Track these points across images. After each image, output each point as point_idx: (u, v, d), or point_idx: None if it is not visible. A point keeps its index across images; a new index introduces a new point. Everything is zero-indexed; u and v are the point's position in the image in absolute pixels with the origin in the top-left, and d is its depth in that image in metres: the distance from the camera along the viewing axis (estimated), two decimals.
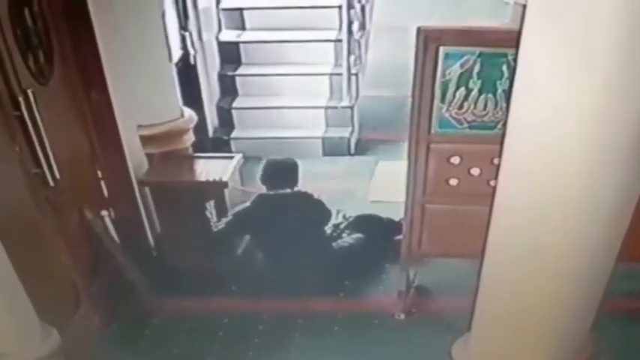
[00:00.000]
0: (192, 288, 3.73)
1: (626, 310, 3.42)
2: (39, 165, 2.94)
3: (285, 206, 3.82)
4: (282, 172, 3.87)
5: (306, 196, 3.87)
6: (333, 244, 3.98)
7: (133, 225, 3.85)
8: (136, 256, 3.74)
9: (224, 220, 3.85)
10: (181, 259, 3.89)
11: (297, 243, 3.76)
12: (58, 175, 3.02)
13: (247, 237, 4.05)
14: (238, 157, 4.09)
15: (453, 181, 3.21)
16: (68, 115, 3.38)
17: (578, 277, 2.12)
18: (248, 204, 3.86)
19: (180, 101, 4.42)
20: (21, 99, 2.83)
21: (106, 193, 3.70)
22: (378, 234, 4.04)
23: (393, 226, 3.96)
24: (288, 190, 3.85)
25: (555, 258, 2.06)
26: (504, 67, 2.88)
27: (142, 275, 3.67)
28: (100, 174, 3.64)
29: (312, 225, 3.87)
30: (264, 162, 3.93)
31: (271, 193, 3.84)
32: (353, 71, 5.34)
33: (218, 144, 5.27)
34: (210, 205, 3.88)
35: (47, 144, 2.95)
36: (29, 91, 2.87)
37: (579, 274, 2.11)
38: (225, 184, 3.85)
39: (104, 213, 3.62)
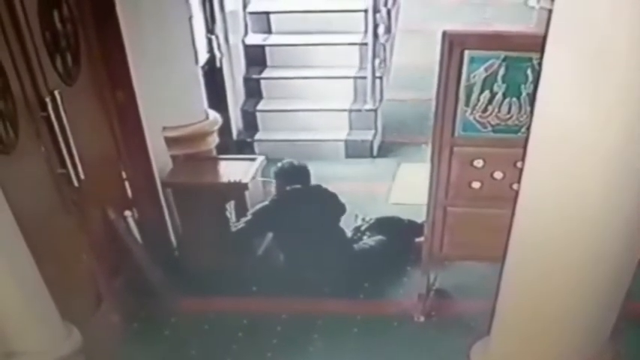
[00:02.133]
0: (212, 288, 3.73)
1: None
2: (64, 165, 2.96)
3: (301, 200, 3.83)
4: (296, 174, 3.91)
5: (320, 189, 3.91)
6: (354, 245, 3.95)
7: (155, 225, 3.85)
8: (158, 257, 3.75)
9: (243, 219, 3.85)
10: (202, 259, 3.89)
11: (317, 243, 3.75)
12: (82, 176, 3.03)
13: (268, 237, 4.05)
14: (261, 159, 4.09)
15: (476, 185, 3.18)
16: (94, 116, 3.40)
17: (600, 281, 2.09)
18: (267, 202, 3.87)
19: (205, 104, 4.44)
20: (48, 100, 2.84)
21: (130, 193, 3.71)
22: (399, 236, 4.01)
23: (414, 229, 3.94)
24: (301, 186, 3.87)
25: (577, 262, 2.04)
26: (529, 71, 2.85)
27: (163, 275, 3.69)
28: (124, 174, 3.66)
29: (327, 217, 3.87)
30: (280, 163, 3.97)
31: (288, 189, 3.85)
32: (377, 74, 5.31)
33: (242, 146, 5.28)
34: (230, 206, 3.88)
35: (72, 144, 2.96)
36: (56, 92, 2.88)
37: (600, 278, 2.08)
38: (245, 186, 3.85)
39: (127, 213, 3.63)
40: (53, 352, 2.71)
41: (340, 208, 3.92)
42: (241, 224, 3.84)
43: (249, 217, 3.85)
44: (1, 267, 2.50)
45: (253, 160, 4.10)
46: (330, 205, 3.90)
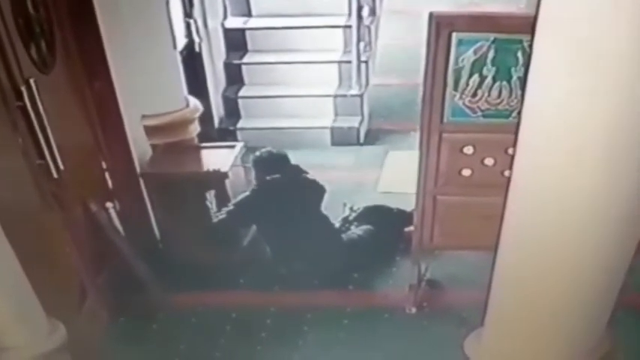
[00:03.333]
0: (199, 282, 3.75)
1: None
2: (42, 156, 2.94)
3: (282, 187, 3.86)
4: (274, 162, 3.94)
5: (299, 177, 3.94)
6: (342, 235, 3.99)
7: (138, 217, 3.87)
8: (142, 249, 3.76)
9: (225, 209, 3.88)
10: (187, 251, 3.90)
11: (304, 233, 3.78)
12: (62, 167, 3.02)
13: (253, 229, 4.08)
14: (240, 145, 4.12)
15: (466, 172, 3.21)
16: (71, 105, 3.39)
17: (595, 270, 2.09)
18: (248, 193, 3.90)
19: (185, 90, 4.43)
20: (23, 89, 2.83)
21: (110, 184, 3.72)
22: (387, 225, 4.05)
23: (403, 217, 3.98)
24: (281, 175, 3.90)
25: (571, 251, 2.04)
26: (519, 54, 2.86)
27: (149, 269, 3.70)
28: (104, 165, 3.66)
29: (309, 201, 3.90)
30: (258, 152, 3.99)
31: (268, 178, 3.88)
32: (363, 58, 5.33)
33: (224, 134, 5.28)
34: (211, 195, 3.90)
35: (50, 135, 2.95)
36: (31, 81, 2.87)
37: (596, 267, 2.08)
38: (225, 175, 3.88)
39: (109, 205, 3.64)
40: (38, 347, 2.72)
41: (320, 190, 3.95)
42: (223, 215, 3.87)
43: (230, 207, 3.87)
44: None
45: (232, 147, 4.12)
46: (310, 188, 3.93)
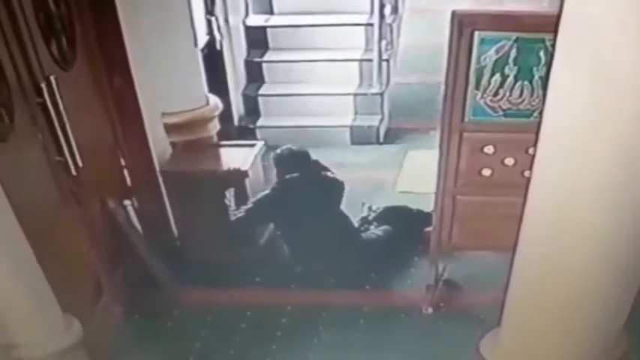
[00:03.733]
0: (215, 279, 3.76)
1: None
2: (61, 153, 2.97)
3: (302, 185, 3.85)
4: (295, 160, 3.92)
5: (319, 175, 3.93)
6: (362, 235, 3.98)
7: (156, 215, 3.89)
8: (160, 246, 3.78)
9: (244, 207, 3.89)
10: (204, 249, 3.92)
11: (322, 233, 3.77)
12: (80, 164, 3.05)
13: (271, 227, 4.07)
14: (260, 144, 4.11)
15: (486, 172, 3.19)
16: (91, 102, 3.41)
17: (613, 272, 2.09)
18: (268, 191, 3.90)
19: (205, 88, 4.44)
20: (43, 85, 2.85)
21: (129, 181, 3.74)
22: (407, 226, 4.03)
23: (422, 218, 3.95)
24: (300, 174, 3.89)
25: (590, 252, 2.04)
26: (542, 53, 2.84)
27: (165, 266, 3.72)
28: (123, 162, 3.68)
29: (329, 199, 3.89)
30: (279, 149, 3.98)
31: (287, 177, 3.87)
32: (384, 57, 5.29)
33: (244, 132, 5.29)
34: (230, 193, 3.90)
35: (70, 132, 2.97)
36: (52, 78, 2.89)
37: (614, 268, 2.08)
38: (245, 173, 3.88)
39: (127, 202, 3.66)
40: (53, 344, 2.75)
41: (339, 186, 3.94)
42: (241, 213, 3.87)
43: (250, 205, 3.88)
44: (0, 258, 2.52)
45: (252, 146, 4.12)
46: (330, 186, 3.92)
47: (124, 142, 3.63)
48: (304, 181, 3.88)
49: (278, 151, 3.99)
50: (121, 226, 3.53)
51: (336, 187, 3.95)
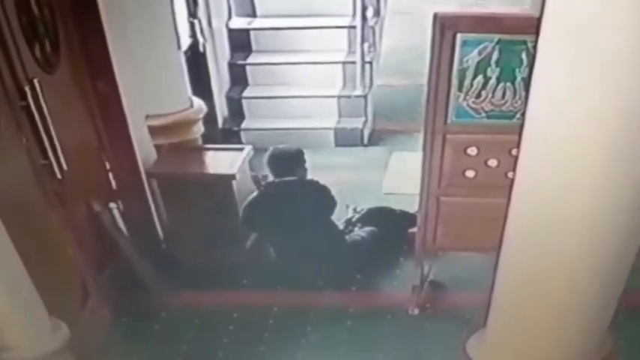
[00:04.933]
0: (202, 281, 3.75)
1: None
2: (46, 156, 2.95)
3: (291, 193, 3.83)
4: (287, 160, 3.88)
5: (311, 183, 3.90)
6: (346, 237, 3.98)
7: (141, 217, 3.87)
8: (145, 249, 3.76)
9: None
10: (190, 252, 3.91)
11: (307, 235, 3.76)
12: (65, 167, 3.03)
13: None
14: (248, 148, 4.09)
15: (470, 173, 3.20)
16: (75, 105, 3.39)
17: (598, 272, 2.10)
18: (256, 194, 3.88)
19: (189, 91, 4.43)
20: (27, 88, 2.83)
21: (114, 184, 3.72)
22: (391, 227, 4.04)
23: (406, 219, 3.97)
24: (295, 178, 3.86)
25: (574, 252, 2.04)
26: (524, 55, 2.85)
27: (151, 268, 3.70)
28: (108, 165, 3.66)
29: (318, 211, 3.87)
30: (269, 151, 3.94)
31: (277, 180, 3.86)
32: (367, 59, 5.31)
33: (228, 135, 5.27)
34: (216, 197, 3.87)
35: (54, 135, 2.95)
36: (35, 81, 2.87)
37: (599, 268, 2.09)
38: (233, 177, 3.86)
39: (112, 205, 3.63)
40: (40, 347, 2.73)
41: (331, 202, 3.91)
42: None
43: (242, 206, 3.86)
44: None
45: (240, 150, 4.09)
46: (321, 199, 3.89)
47: (108, 144, 3.61)
48: (294, 186, 3.86)
49: (269, 152, 3.94)
50: (107, 229, 3.51)
51: (326, 200, 3.90)
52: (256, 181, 4.03)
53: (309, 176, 3.98)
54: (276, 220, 3.82)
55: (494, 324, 2.48)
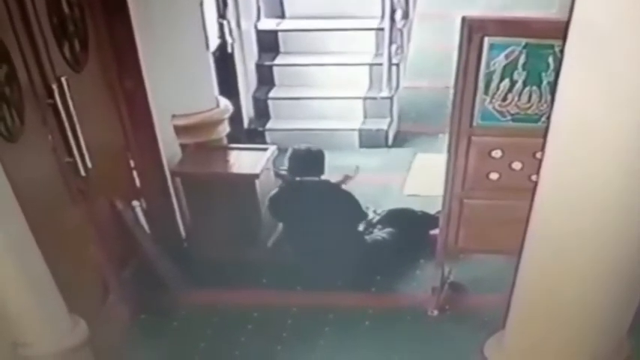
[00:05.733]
0: (222, 280, 3.74)
1: None
2: (71, 154, 2.96)
3: (310, 194, 3.80)
4: (307, 160, 3.86)
5: (332, 186, 3.87)
6: (366, 237, 3.94)
7: (164, 216, 3.87)
8: (167, 248, 3.76)
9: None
10: (212, 250, 3.90)
11: (328, 235, 3.73)
12: (90, 165, 3.03)
13: (279, 229, 4.04)
14: (272, 149, 4.07)
15: (494, 175, 3.16)
16: (102, 104, 3.40)
17: (618, 277, 2.08)
18: (276, 189, 3.86)
19: (216, 91, 4.43)
20: (55, 87, 2.84)
21: (138, 183, 3.72)
22: (411, 228, 3.99)
23: (427, 221, 3.92)
24: (315, 179, 3.83)
25: (595, 256, 2.03)
26: (550, 59, 2.82)
27: (172, 267, 3.70)
28: (132, 164, 3.66)
29: (339, 215, 3.83)
30: (296, 146, 3.92)
31: (297, 179, 3.82)
32: (394, 61, 5.26)
33: (253, 135, 5.25)
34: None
35: (80, 133, 2.96)
36: (63, 79, 2.88)
37: (619, 273, 2.07)
38: (256, 176, 3.84)
39: (135, 203, 3.64)
40: (59, 343, 2.73)
41: (355, 207, 3.86)
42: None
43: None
44: (7, 258, 2.51)
45: (264, 150, 4.08)
46: (343, 203, 3.84)
47: (133, 143, 3.61)
48: (316, 187, 3.83)
49: (295, 146, 3.92)
50: (129, 227, 3.51)
51: (347, 201, 3.86)
52: (278, 175, 3.99)
53: (334, 177, 3.96)
54: (295, 218, 3.80)
55: (513, 326, 2.46)
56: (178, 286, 3.68)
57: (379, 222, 4.05)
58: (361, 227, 4.02)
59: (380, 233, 3.96)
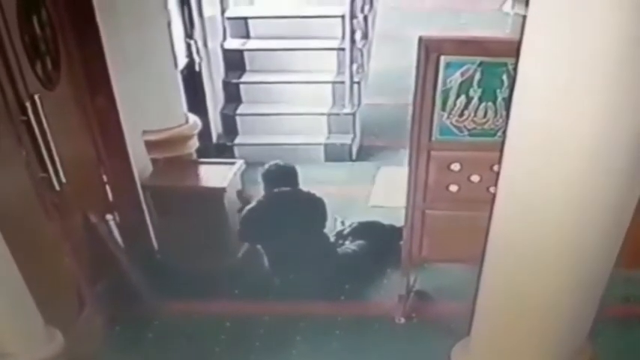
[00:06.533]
0: (194, 291, 3.71)
1: (622, 316, 3.40)
2: (45, 169, 2.93)
3: (288, 202, 3.84)
4: (283, 175, 3.90)
5: (308, 194, 3.91)
6: (338, 250, 3.97)
7: (137, 229, 3.83)
8: (140, 260, 3.72)
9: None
10: (184, 261, 3.88)
11: (301, 247, 3.75)
12: (64, 179, 3.01)
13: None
14: (239, 163, 4.08)
15: (453, 188, 3.21)
16: (74, 120, 3.37)
17: (577, 282, 2.10)
18: (254, 204, 3.87)
19: (185, 107, 4.43)
20: (28, 104, 2.82)
21: (111, 197, 3.68)
22: (380, 241, 4.02)
23: (395, 233, 3.95)
24: (290, 189, 3.86)
25: (554, 263, 2.05)
26: (504, 76, 2.87)
27: (145, 278, 3.66)
28: (105, 178, 3.63)
29: (312, 222, 3.86)
30: (267, 165, 3.95)
31: (275, 190, 3.85)
32: (355, 79, 5.34)
33: (222, 150, 5.27)
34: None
35: (53, 148, 2.93)
36: (36, 97, 2.86)
37: (578, 279, 2.09)
38: (223, 190, 3.85)
39: (109, 217, 3.61)
40: (36, 355, 2.68)
41: (323, 215, 3.91)
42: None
43: (242, 215, 3.84)
44: None
45: (232, 164, 4.09)
46: (315, 210, 3.89)
47: (106, 158, 3.58)
48: (292, 196, 3.86)
49: (266, 166, 3.94)
50: (103, 240, 3.47)
51: (321, 212, 3.91)
52: (240, 196, 4.00)
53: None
54: (271, 231, 3.81)
55: (478, 332, 2.47)
56: (152, 297, 3.63)
57: (350, 234, 4.09)
58: (332, 238, 4.05)
59: (350, 245, 3.99)
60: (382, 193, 4.77)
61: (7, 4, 2.72)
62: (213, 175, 3.98)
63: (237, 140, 5.38)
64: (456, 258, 3.38)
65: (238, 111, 5.46)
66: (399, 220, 3.67)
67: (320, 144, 5.30)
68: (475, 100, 2.96)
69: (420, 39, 2.86)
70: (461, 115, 3.00)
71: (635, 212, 2.00)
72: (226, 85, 5.50)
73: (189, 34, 4.80)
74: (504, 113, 2.84)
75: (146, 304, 3.62)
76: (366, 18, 5.60)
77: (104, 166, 3.60)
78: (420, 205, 3.28)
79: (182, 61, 4.69)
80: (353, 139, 5.33)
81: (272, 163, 3.96)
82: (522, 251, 2.07)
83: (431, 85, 2.92)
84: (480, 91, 2.93)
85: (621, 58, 1.64)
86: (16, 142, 2.80)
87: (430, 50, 2.86)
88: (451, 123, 3.02)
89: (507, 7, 5.12)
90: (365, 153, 5.38)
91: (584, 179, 1.85)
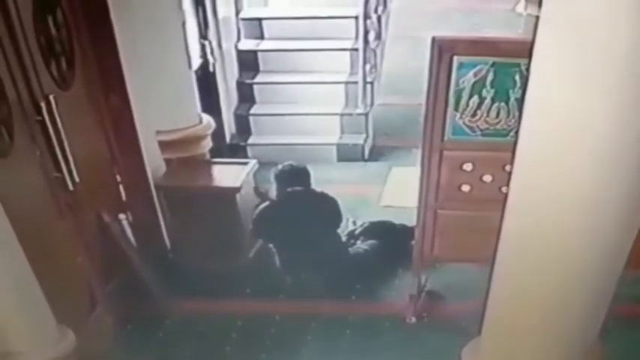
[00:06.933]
0: (206, 290, 3.71)
1: (632, 316, 3.37)
2: (59, 169, 2.94)
3: (301, 201, 3.82)
4: (296, 176, 3.88)
5: (322, 194, 3.90)
6: (349, 249, 3.95)
7: (150, 228, 3.84)
8: (152, 259, 3.73)
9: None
10: (196, 261, 3.88)
11: (313, 247, 3.74)
12: (77, 179, 3.01)
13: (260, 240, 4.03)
14: (252, 163, 4.08)
15: (465, 188, 3.20)
16: (88, 120, 3.38)
17: (588, 282, 2.10)
18: (267, 203, 3.86)
19: (198, 108, 4.43)
20: (42, 104, 2.83)
21: (124, 196, 3.69)
22: (392, 240, 4.00)
23: (406, 232, 3.91)
24: (303, 188, 3.85)
25: (565, 263, 2.04)
26: (517, 77, 2.86)
27: (158, 277, 3.66)
28: (118, 178, 3.64)
29: (325, 222, 3.85)
30: (280, 166, 3.93)
31: (289, 190, 3.83)
32: (368, 79, 5.32)
33: (235, 150, 5.26)
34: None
35: (67, 148, 2.94)
36: (51, 97, 2.87)
37: (589, 279, 2.09)
38: (237, 190, 3.84)
39: (122, 216, 3.61)
40: (47, 353, 2.69)
41: (338, 215, 3.89)
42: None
43: (254, 216, 3.83)
44: None
45: (245, 164, 4.08)
46: (330, 210, 3.87)
47: (119, 158, 3.59)
48: (305, 195, 3.84)
49: (279, 166, 3.93)
50: (116, 239, 3.48)
51: (335, 213, 3.89)
52: (258, 193, 3.99)
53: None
54: (284, 230, 3.79)
55: (489, 332, 2.46)
56: (164, 296, 3.63)
57: (361, 234, 4.07)
58: (344, 238, 4.03)
59: (362, 245, 3.97)
60: (394, 193, 4.74)
61: (23, 5, 2.74)
62: (227, 175, 3.98)
63: (251, 140, 5.38)
64: (468, 258, 3.36)
65: (252, 111, 5.46)
66: (410, 220, 3.64)
67: (332, 144, 5.27)
68: (488, 101, 2.95)
69: (433, 39, 2.86)
70: (473, 115, 2.99)
71: None
72: (240, 85, 5.49)
73: (203, 35, 4.80)
74: (517, 114, 2.82)
75: (158, 303, 3.62)
76: (379, 18, 5.57)
77: (118, 166, 3.61)
78: (432, 204, 3.26)
79: (196, 62, 4.68)
80: (365, 139, 5.31)
81: (285, 163, 3.95)
82: (534, 251, 2.07)
83: (444, 86, 2.91)
84: (492, 91, 2.92)
85: (634, 58, 1.63)
86: (30, 142, 2.82)
87: (443, 50, 2.85)
88: (464, 123, 3.01)
89: (520, 8, 5.07)
90: (377, 153, 5.35)
91: (597, 179, 1.84)
